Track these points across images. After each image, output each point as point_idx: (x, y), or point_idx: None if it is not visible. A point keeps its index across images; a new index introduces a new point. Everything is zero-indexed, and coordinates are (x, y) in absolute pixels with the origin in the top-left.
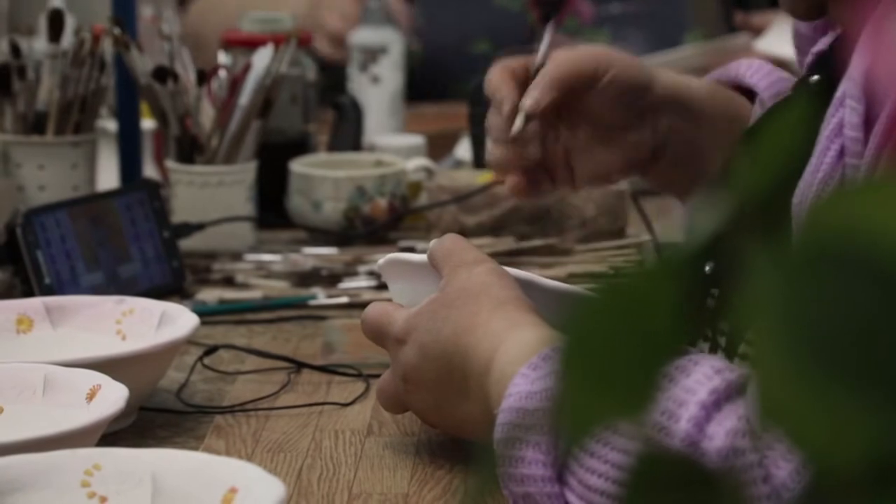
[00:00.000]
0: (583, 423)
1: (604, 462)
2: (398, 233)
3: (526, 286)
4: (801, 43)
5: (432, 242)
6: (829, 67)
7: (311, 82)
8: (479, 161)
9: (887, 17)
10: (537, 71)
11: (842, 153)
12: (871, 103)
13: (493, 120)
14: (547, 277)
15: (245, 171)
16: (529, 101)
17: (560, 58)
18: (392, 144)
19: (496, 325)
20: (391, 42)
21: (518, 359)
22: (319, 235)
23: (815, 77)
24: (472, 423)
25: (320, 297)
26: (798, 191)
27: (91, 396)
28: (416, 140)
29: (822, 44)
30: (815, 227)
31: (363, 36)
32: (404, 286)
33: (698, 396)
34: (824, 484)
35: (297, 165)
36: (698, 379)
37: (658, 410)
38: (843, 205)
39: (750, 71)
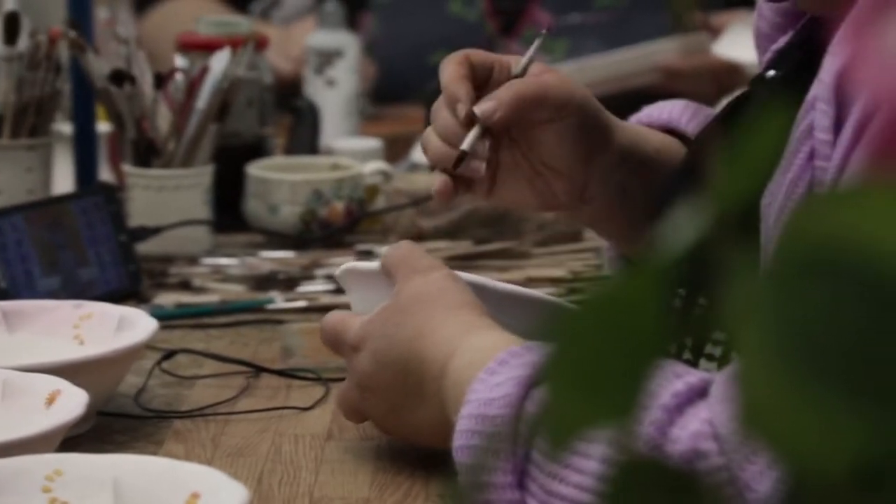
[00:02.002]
0: (567, 428)
1: (565, 467)
2: (355, 236)
3: (480, 290)
4: (761, 42)
5: (385, 250)
6: (787, 64)
7: (267, 86)
8: None
9: (864, 19)
10: (509, 78)
11: (811, 156)
12: (841, 106)
13: (441, 114)
14: (505, 281)
15: (202, 175)
16: (485, 107)
17: (533, 77)
18: (349, 148)
19: (450, 330)
20: (347, 45)
21: (474, 363)
22: (276, 239)
23: (772, 72)
24: (428, 429)
25: (278, 301)
26: (767, 192)
27: (50, 401)
28: (373, 143)
29: (782, 42)
30: (800, 233)
31: (319, 39)
32: (362, 295)
33: (661, 400)
34: (808, 492)
35: (254, 169)
36: (659, 382)
37: None
38: (827, 211)
39: (685, 117)
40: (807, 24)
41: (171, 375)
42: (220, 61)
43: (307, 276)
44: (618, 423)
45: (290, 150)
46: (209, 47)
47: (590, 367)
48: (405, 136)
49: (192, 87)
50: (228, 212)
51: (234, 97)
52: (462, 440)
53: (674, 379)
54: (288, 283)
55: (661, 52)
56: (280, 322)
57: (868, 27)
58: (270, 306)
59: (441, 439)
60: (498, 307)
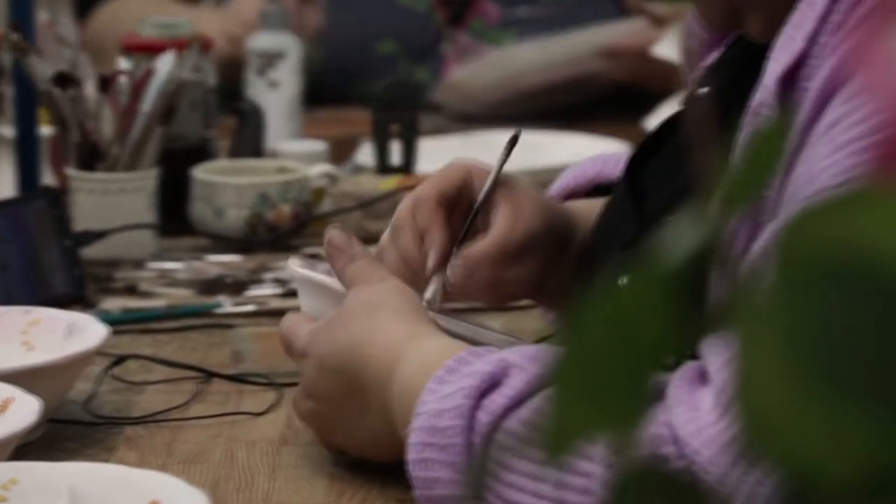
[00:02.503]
0: (568, 435)
1: (522, 476)
2: (301, 239)
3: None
4: (691, 60)
5: (337, 241)
6: (718, 80)
7: (211, 88)
8: (382, 167)
9: (868, 27)
10: (475, 214)
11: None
12: (784, 110)
13: (406, 242)
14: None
15: (147, 179)
16: (455, 273)
17: (497, 240)
18: (294, 150)
19: (395, 335)
20: (289, 47)
21: (421, 370)
22: (222, 242)
23: (704, 89)
24: (372, 437)
25: (226, 305)
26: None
27: (2, 409)
28: (318, 146)
29: (712, 58)
30: (807, 238)
31: (261, 41)
32: (313, 304)
33: None
34: (813, 499)
35: (199, 172)
36: None
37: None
38: (834, 215)
39: (608, 167)
40: (735, 40)
41: (120, 381)
42: (165, 63)
43: (255, 280)
44: (620, 430)
45: (235, 152)
46: (153, 49)
47: (593, 374)
48: (349, 137)
49: (137, 89)
50: (173, 215)
51: (179, 100)
52: (415, 454)
53: None
54: (235, 286)
55: (605, 35)
56: (229, 326)
57: (872, 35)
58: (219, 310)
59: (384, 448)
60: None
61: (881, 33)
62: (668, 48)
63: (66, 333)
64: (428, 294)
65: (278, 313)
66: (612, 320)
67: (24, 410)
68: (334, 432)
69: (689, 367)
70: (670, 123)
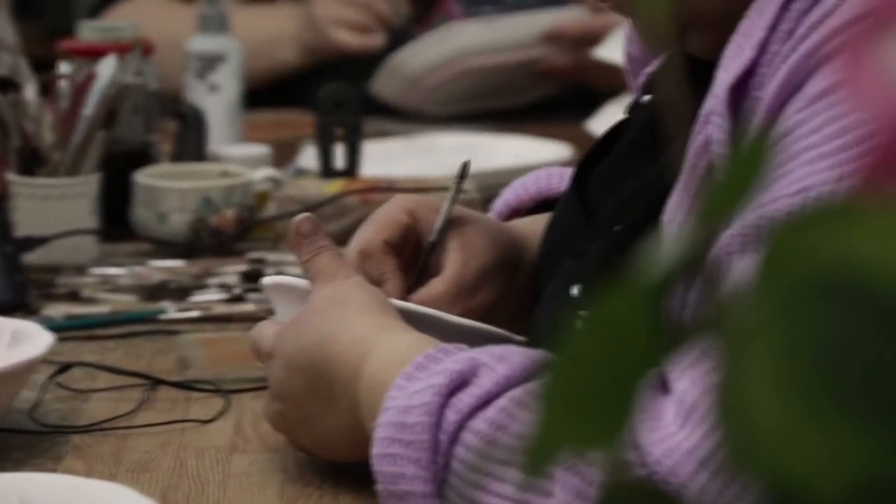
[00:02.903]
0: (551, 447)
1: (485, 476)
2: (245, 244)
3: (410, 317)
4: (633, 66)
5: (296, 222)
6: (661, 87)
7: (152, 91)
8: (327, 170)
9: (860, 41)
10: (429, 250)
11: (710, 170)
12: (736, 120)
13: None
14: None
15: (88, 184)
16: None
17: (449, 286)
18: (237, 154)
19: (362, 330)
20: (229, 49)
21: (389, 365)
22: (164, 247)
23: (647, 97)
24: (339, 436)
25: (170, 311)
26: (668, 208)
27: None
28: (261, 150)
29: (654, 65)
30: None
31: (200, 43)
32: (290, 311)
33: None
34: None
35: (142, 177)
36: None
37: (518, 430)
38: (824, 230)
39: (549, 182)
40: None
41: (65, 389)
42: (107, 67)
43: (199, 286)
44: (606, 443)
45: (177, 156)
46: (92, 53)
47: (580, 386)
48: (289, 141)
49: (78, 93)
50: (114, 220)
51: (121, 104)
52: (381, 448)
53: None
54: (179, 292)
55: (547, 19)
56: (174, 332)
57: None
58: (163, 316)
59: (352, 446)
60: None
61: (868, 45)
62: (610, 51)
63: (11, 341)
64: None
65: (223, 319)
66: (597, 333)
67: None
68: (303, 432)
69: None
70: (615, 132)
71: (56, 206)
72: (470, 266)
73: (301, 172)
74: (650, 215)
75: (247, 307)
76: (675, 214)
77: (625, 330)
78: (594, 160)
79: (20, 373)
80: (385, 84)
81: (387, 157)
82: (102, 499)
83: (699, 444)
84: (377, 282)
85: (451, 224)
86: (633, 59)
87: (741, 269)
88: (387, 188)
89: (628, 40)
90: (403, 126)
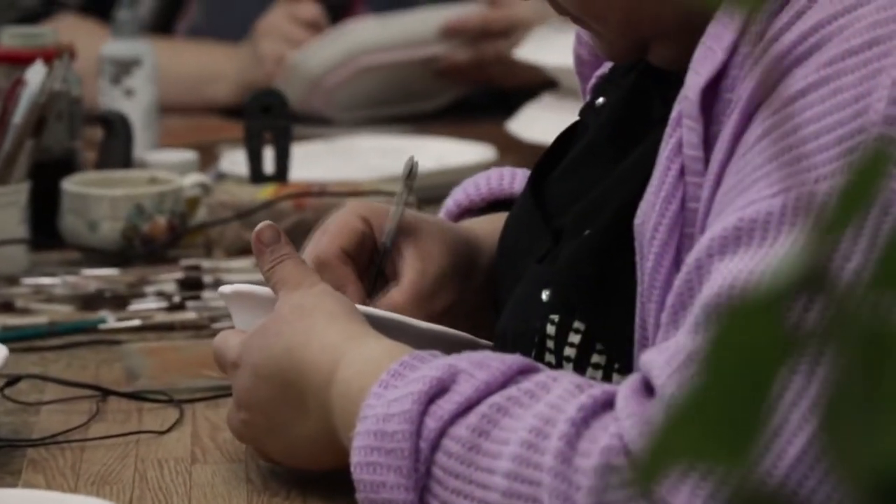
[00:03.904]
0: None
1: (469, 483)
2: (178, 251)
3: (385, 326)
4: (583, 69)
5: (259, 229)
6: (615, 90)
7: (76, 98)
8: (256, 175)
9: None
10: (383, 255)
11: (682, 172)
12: (708, 123)
13: None
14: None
15: (18, 192)
16: None
17: (406, 296)
18: (163, 160)
19: (333, 338)
20: (144, 54)
21: (363, 373)
22: (95, 256)
23: (601, 100)
24: (310, 444)
25: (110, 320)
26: (640, 211)
27: None
28: (189, 155)
29: (605, 67)
30: None
31: (115, 48)
32: (250, 319)
33: (567, 413)
34: None
35: (70, 184)
36: (561, 395)
37: (524, 427)
38: None
39: (503, 182)
40: None
41: (12, 402)
42: (36, 74)
43: (136, 294)
44: (737, 457)
45: (102, 164)
46: (14, 60)
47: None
48: (204, 146)
49: (7, 101)
50: (39, 229)
51: (50, 111)
52: (360, 457)
53: (577, 392)
54: (117, 301)
55: (444, 14)
56: (116, 342)
57: None
58: (103, 326)
59: (323, 454)
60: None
61: None
62: (530, 51)
63: None
64: None
65: (165, 328)
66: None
67: None
68: (271, 441)
69: (634, 379)
70: (568, 135)
71: None
72: (427, 272)
73: (222, 177)
74: (620, 219)
75: (188, 315)
76: (648, 217)
77: (750, 345)
78: (549, 164)
79: None
80: (285, 87)
81: (308, 161)
82: None
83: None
84: (337, 287)
85: (406, 229)
86: (582, 61)
87: (722, 271)
88: (319, 192)
89: (577, 42)
90: (320, 130)
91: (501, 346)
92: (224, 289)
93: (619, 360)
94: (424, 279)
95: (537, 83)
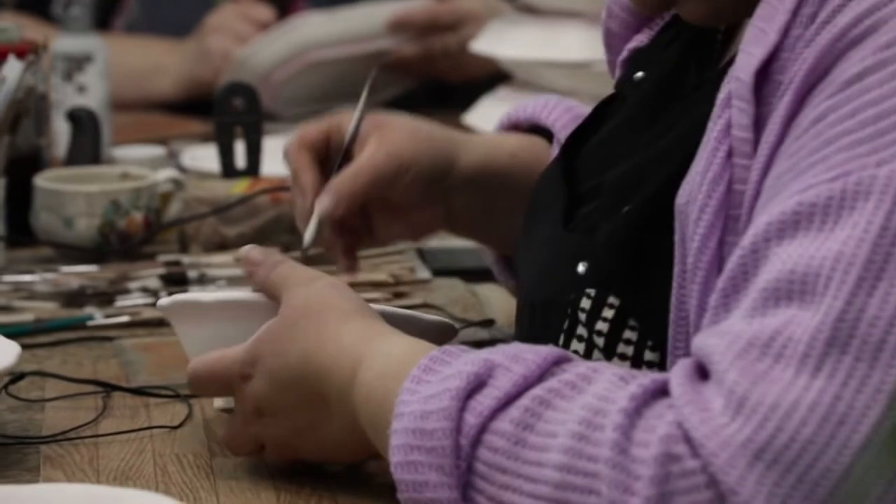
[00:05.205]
0: None
1: (517, 477)
2: (153, 247)
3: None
4: (612, 41)
5: (255, 257)
6: (654, 65)
7: (42, 94)
8: (228, 170)
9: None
10: (346, 151)
11: (730, 154)
12: (761, 104)
13: (297, 200)
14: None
15: None
16: (323, 205)
17: (362, 165)
18: (133, 156)
19: (349, 339)
20: (96, 49)
21: (387, 371)
22: (70, 253)
23: (640, 74)
24: (336, 444)
25: (98, 316)
26: (684, 191)
27: None
28: (158, 151)
29: (637, 40)
30: None
31: (66, 44)
32: (197, 332)
33: (619, 404)
34: None
35: (43, 181)
36: (607, 387)
37: (572, 419)
38: None
39: (546, 111)
40: (669, 24)
41: (16, 399)
42: (13, 70)
43: (120, 290)
44: None
45: (71, 160)
46: None
47: None
48: (155, 142)
49: None
50: (10, 226)
51: (26, 107)
52: (400, 456)
53: (622, 382)
54: (100, 297)
55: (391, 8)
56: (106, 339)
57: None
58: (91, 323)
59: (348, 453)
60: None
61: None
62: (486, 44)
63: None
64: (306, 237)
65: (154, 323)
66: None
67: None
68: (298, 444)
69: (685, 364)
70: (604, 106)
71: None
72: (382, 151)
73: (185, 173)
74: (661, 197)
75: None
76: (693, 198)
77: None
78: (584, 134)
79: None
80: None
81: (267, 155)
82: None
83: (753, 436)
84: (294, 174)
85: (373, 121)
86: (612, 34)
87: (781, 255)
88: None
89: (607, 15)
90: (268, 125)
91: (530, 313)
92: (162, 302)
93: (652, 336)
94: (378, 157)
95: (485, 77)
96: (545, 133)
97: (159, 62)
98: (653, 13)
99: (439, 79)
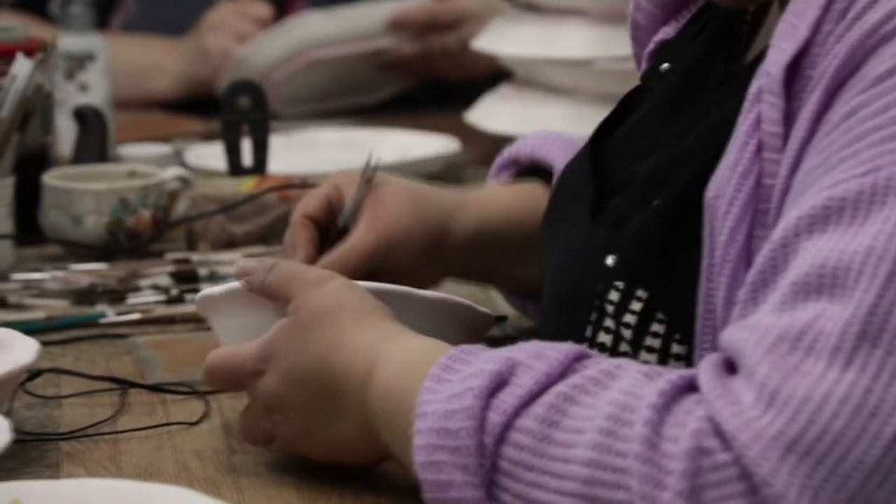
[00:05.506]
0: None
1: (544, 473)
2: (161, 245)
3: (385, 296)
4: (638, 34)
5: (248, 267)
6: (681, 57)
7: (48, 93)
8: (235, 168)
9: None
10: (339, 234)
11: (760, 148)
12: (791, 99)
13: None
14: None
15: (4, 188)
16: None
17: (353, 247)
18: (141, 154)
19: (365, 338)
20: (98, 48)
21: (404, 371)
22: (78, 251)
23: (666, 65)
24: (347, 444)
25: (110, 314)
26: (714, 184)
27: None
28: (165, 149)
29: (664, 33)
30: None
31: (68, 43)
32: (235, 321)
33: (647, 400)
34: None
35: (52, 179)
36: (633, 383)
37: (599, 415)
38: None
39: (545, 147)
40: (696, 16)
41: (32, 396)
42: (23, 68)
43: (131, 288)
44: None
45: (78, 158)
46: None
47: None
48: (157, 140)
49: None
50: (17, 224)
51: (36, 105)
52: (424, 456)
53: (647, 378)
54: (111, 295)
55: (390, 7)
56: (118, 336)
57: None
58: (104, 320)
59: (360, 454)
60: (397, 311)
61: None
62: (488, 41)
63: None
64: None
65: (166, 321)
66: None
67: None
68: (306, 443)
69: (713, 359)
70: (630, 98)
71: None
72: (375, 229)
73: (188, 170)
74: (691, 190)
75: (187, 308)
76: (723, 191)
77: None
78: (610, 125)
79: (10, 380)
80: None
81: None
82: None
83: (785, 429)
84: (290, 247)
85: (372, 193)
86: (638, 26)
87: (811, 250)
88: (302, 185)
89: (634, 7)
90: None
91: (556, 304)
92: (207, 292)
93: (679, 330)
94: (369, 238)
95: (484, 75)
96: (545, 170)
97: (157, 61)
98: (736, 7)
99: (438, 77)
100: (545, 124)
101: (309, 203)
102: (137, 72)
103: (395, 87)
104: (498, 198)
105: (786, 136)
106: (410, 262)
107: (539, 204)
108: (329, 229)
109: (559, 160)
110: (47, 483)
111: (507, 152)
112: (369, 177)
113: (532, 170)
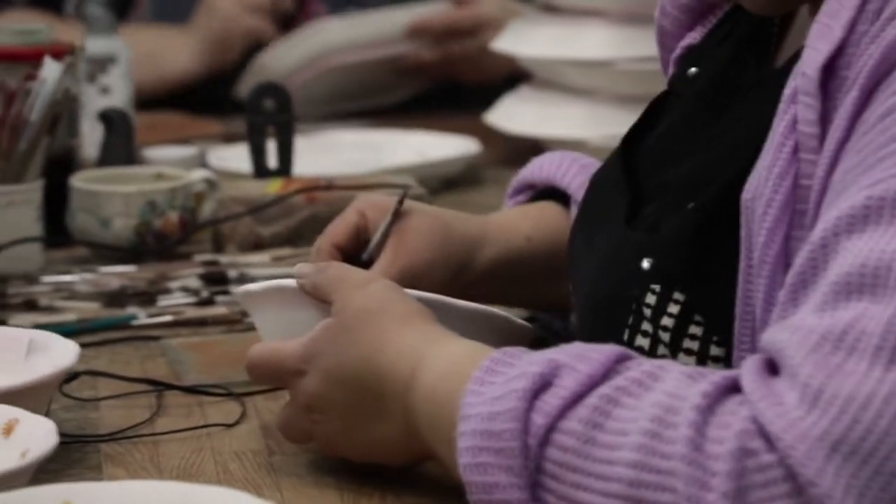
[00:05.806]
0: None
1: (588, 475)
2: (190, 246)
3: (433, 306)
4: (665, 39)
5: (304, 271)
6: (709, 61)
7: (74, 96)
8: (260, 170)
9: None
10: (364, 265)
11: (796, 149)
12: (827, 99)
13: None
14: None
15: (33, 191)
16: None
17: (387, 273)
18: (167, 156)
19: (409, 341)
20: (119, 51)
21: (448, 373)
22: (105, 253)
23: (693, 70)
24: (388, 445)
25: (141, 316)
26: (750, 186)
27: (7, 431)
28: (190, 151)
29: (691, 38)
30: None
31: (90, 45)
32: (277, 317)
33: (691, 401)
34: None
35: (80, 182)
36: (677, 385)
37: (643, 417)
38: None
39: (560, 171)
40: (722, 21)
41: (70, 398)
42: (51, 72)
43: (161, 290)
44: None
45: (104, 161)
46: (12, 57)
47: None
48: (178, 142)
49: (11, 99)
50: (46, 227)
51: (64, 109)
52: (468, 458)
53: (690, 380)
54: (142, 297)
55: (410, 14)
56: (151, 338)
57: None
58: (135, 322)
59: (400, 456)
60: (449, 324)
61: None
62: (507, 42)
63: (28, 351)
64: None
65: (197, 323)
66: None
67: (38, 431)
68: (346, 443)
69: (755, 360)
70: (657, 104)
71: (2, 215)
72: (397, 263)
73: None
74: (726, 193)
75: (219, 310)
76: (760, 193)
77: None
78: (639, 131)
79: (51, 383)
80: (251, 86)
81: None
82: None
83: (830, 429)
84: None
85: (399, 223)
86: (665, 32)
87: (851, 250)
88: (328, 186)
89: (661, 13)
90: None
91: (592, 309)
92: (246, 288)
93: (718, 332)
94: (391, 272)
95: (503, 78)
96: (562, 194)
97: (171, 42)
98: (770, 13)
99: (456, 81)
100: (565, 125)
101: (337, 232)
102: (153, 53)
103: (412, 90)
104: (519, 226)
105: (822, 137)
106: (433, 291)
107: (558, 227)
108: (354, 257)
109: (575, 185)
110: (97, 485)
111: (522, 175)
112: (398, 210)
113: (548, 193)
